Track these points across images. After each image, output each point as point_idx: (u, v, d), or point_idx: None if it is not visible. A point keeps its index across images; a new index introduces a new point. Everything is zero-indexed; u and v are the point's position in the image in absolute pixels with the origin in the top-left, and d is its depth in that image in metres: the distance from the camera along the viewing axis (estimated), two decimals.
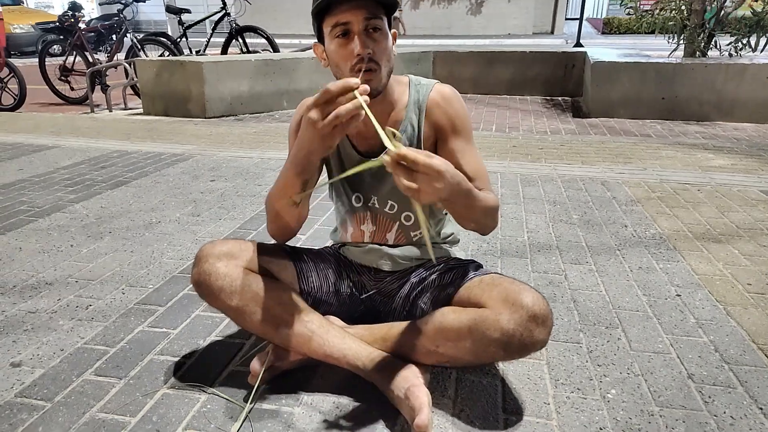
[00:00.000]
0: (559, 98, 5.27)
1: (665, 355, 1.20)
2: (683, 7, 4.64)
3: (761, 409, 1.02)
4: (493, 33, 14.77)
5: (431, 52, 5.60)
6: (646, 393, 1.07)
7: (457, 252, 1.24)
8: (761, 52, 4.58)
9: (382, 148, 1.04)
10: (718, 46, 4.67)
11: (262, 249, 1.10)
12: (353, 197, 1.12)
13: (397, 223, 1.13)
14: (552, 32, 15.88)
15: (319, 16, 0.97)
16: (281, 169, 1.01)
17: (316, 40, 1.03)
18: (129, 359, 1.18)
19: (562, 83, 5.33)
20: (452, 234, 1.23)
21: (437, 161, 0.78)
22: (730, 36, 4.56)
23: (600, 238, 1.86)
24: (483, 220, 1.00)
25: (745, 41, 4.56)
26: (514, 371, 1.13)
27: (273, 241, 1.16)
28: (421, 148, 1.06)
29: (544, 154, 3.02)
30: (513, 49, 5.66)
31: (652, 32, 4.82)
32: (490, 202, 1.02)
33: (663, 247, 1.78)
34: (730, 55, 4.54)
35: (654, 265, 1.66)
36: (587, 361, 1.18)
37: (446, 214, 1.21)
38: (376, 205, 1.12)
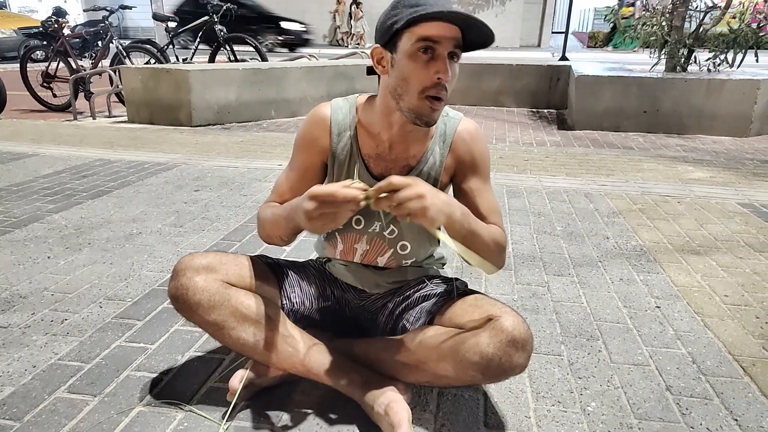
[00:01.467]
0: (545, 110, 5.34)
1: (644, 367, 1.21)
2: (664, 23, 4.75)
3: (736, 420, 1.03)
4: None
5: None
6: (625, 405, 1.08)
7: (446, 269, 1.25)
8: (738, 67, 4.70)
9: (397, 171, 1.04)
10: (698, 62, 4.78)
11: (243, 262, 1.09)
12: (354, 219, 1.08)
13: (392, 249, 1.10)
14: (539, 45, 16.14)
15: (408, 23, 0.88)
16: (283, 200, 1.04)
17: (380, 44, 0.94)
18: (104, 376, 1.15)
19: (547, 96, 5.41)
20: (442, 256, 1.23)
21: (409, 179, 0.83)
22: (709, 52, 4.68)
23: (582, 250, 1.88)
24: (489, 251, 0.99)
25: (723, 57, 4.68)
26: (495, 384, 1.13)
27: (259, 250, 1.15)
28: (439, 179, 1.06)
29: (529, 166, 3.05)
30: (500, 61, 5.73)
31: (633, 46, 4.92)
32: (496, 234, 1.02)
33: (643, 259, 1.80)
34: (709, 70, 4.65)
35: (634, 276, 1.68)
36: (568, 374, 1.18)
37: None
38: (377, 230, 1.08)
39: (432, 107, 0.92)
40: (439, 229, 0.91)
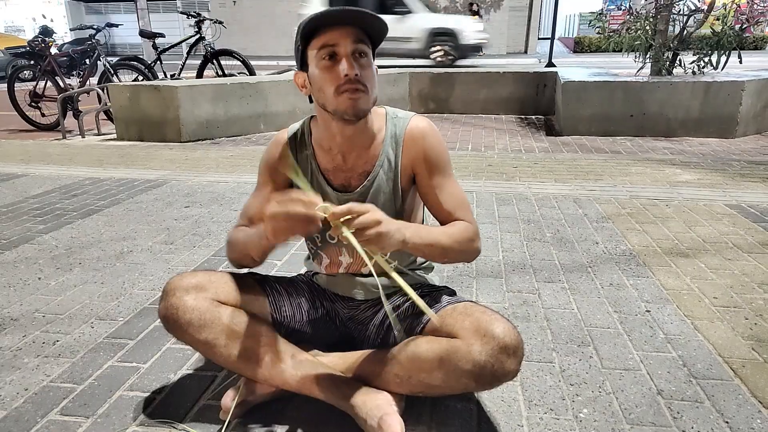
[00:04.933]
0: (533, 117, 5.39)
1: (635, 372, 1.22)
2: (648, 28, 4.82)
3: (727, 422, 1.04)
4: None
5: (407, 73, 5.69)
6: (617, 411, 1.08)
7: (433, 275, 1.25)
8: (722, 69, 4.78)
9: (357, 184, 1.07)
10: (683, 65, 4.85)
11: (233, 280, 1.09)
12: (327, 235, 1.11)
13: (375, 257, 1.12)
14: (525, 52, 16.32)
15: (305, 39, 0.97)
16: (253, 223, 1.06)
17: (298, 68, 1.03)
18: (97, 396, 1.14)
19: (535, 102, 5.46)
20: (426, 261, 1.24)
21: (367, 206, 0.87)
22: (693, 54, 4.75)
23: (572, 256, 1.90)
24: (455, 252, 1.03)
25: (707, 60, 4.76)
26: (488, 393, 1.14)
27: (245, 270, 1.15)
28: (398, 182, 1.08)
29: (518, 173, 3.08)
30: (487, 69, 5.79)
31: (620, 51, 4.99)
32: (458, 232, 1.04)
33: (633, 263, 1.82)
34: (694, 73, 4.72)
35: (624, 281, 1.69)
36: (560, 381, 1.19)
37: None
38: None
39: (351, 97, 0.96)
40: (387, 261, 0.93)
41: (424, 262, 1.24)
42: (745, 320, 1.44)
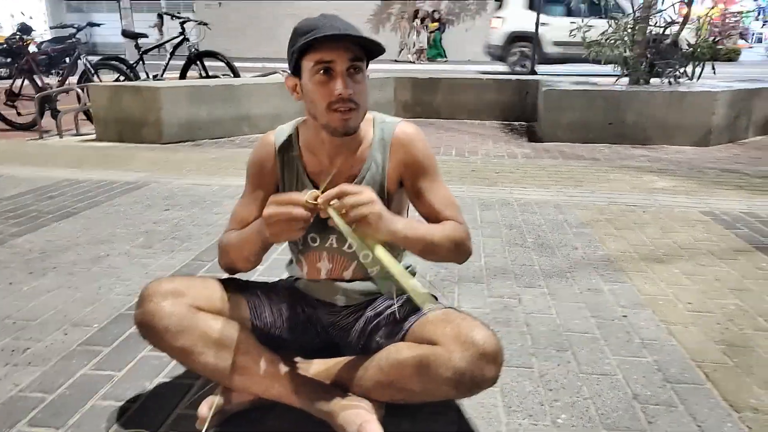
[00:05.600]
0: (516, 123, 5.45)
1: (612, 377, 1.23)
2: (626, 39, 4.93)
3: (699, 426, 1.07)
4: (453, 59, 15.27)
5: (393, 78, 5.71)
6: (594, 416, 1.10)
7: (416, 281, 1.25)
8: (697, 80, 4.91)
9: (343, 182, 1.07)
10: (660, 75, 4.97)
11: (211, 285, 1.08)
12: (309, 237, 1.11)
13: (356, 261, 1.12)
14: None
15: (301, 51, 0.96)
16: (243, 227, 1.06)
17: (290, 72, 1.03)
18: (69, 406, 1.11)
19: (518, 109, 5.52)
20: (410, 266, 1.24)
21: (360, 187, 0.91)
22: (669, 66, 4.87)
23: (552, 261, 1.92)
24: (446, 250, 1.04)
25: (682, 70, 4.88)
26: (468, 399, 1.14)
27: (225, 275, 1.14)
28: (385, 186, 1.09)
29: (501, 178, 3.11)
30: (472, 75, 5.85)
31: (599, 62, 5.09)
32: (451, 230, 1.05)
33: (611, 269, 1.85)
34: (670, 83, 4.84)
35: (602, 286, 1.72)
36: (539, 386, 1.20)
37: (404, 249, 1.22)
38: (335, 245, 1.10)
39: (343, 117, 0.97)
40: (383, 247, 0.93)
41: (407, 268, 1.24)
42: (717, 325, 1.47)
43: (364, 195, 0.89)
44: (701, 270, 1.84)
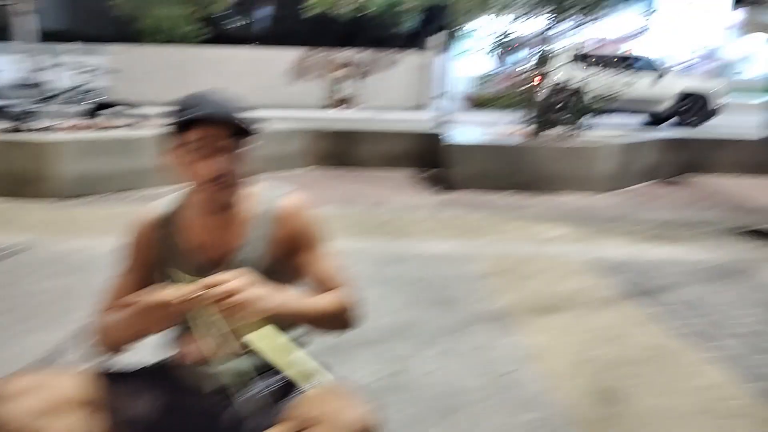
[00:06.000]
0: (426, 173, 5.67)
1: None
2: (525, 96, 5.46)
3: None
4: (368, 106, 15.89)
5: (298, 131, 5.76)
6: None
7: (308, 349, 1.22)
8: (588, 130, 5.48)
9: (225, 261, 1.06)
10: (557, 128, 5.49)
11: (69, 380, 0.98)
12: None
13: (228, 346, 1.08)
14: (423, 107, 17.44)
15: (177, 126, 0.96)
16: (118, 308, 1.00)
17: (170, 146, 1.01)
18: None
19: (431, 157, 5.78)
20: (302, 335, 1.21)
21: (233, 272, 0.89)
22: (560, 122, 5.42)
23: (449, 317, 1.98)
24: (327, 324, 1.06)
25: (575, 125, 5.45)
26: None
27: (86, 364, 1.05)
28: (267, 260, 1.07)
29: (407, 231, 3.20)
30: (383, 126, 6.09)
31: (508, 107, 5.60)
32: (331, 302, 1.05)
33: (503, 322, 1.94)
34: (565, 137, 5.36)
35: (494, 341, 1.79)
36: None
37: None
38: (205, 329, 1.06)
39: (212, 197, 0.99)
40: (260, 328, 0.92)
41: (300, 335, 1.21)
42: (596, 375, 1.58)
43: (233, 283, 0.87)
44: (585, 320, 1.99)
